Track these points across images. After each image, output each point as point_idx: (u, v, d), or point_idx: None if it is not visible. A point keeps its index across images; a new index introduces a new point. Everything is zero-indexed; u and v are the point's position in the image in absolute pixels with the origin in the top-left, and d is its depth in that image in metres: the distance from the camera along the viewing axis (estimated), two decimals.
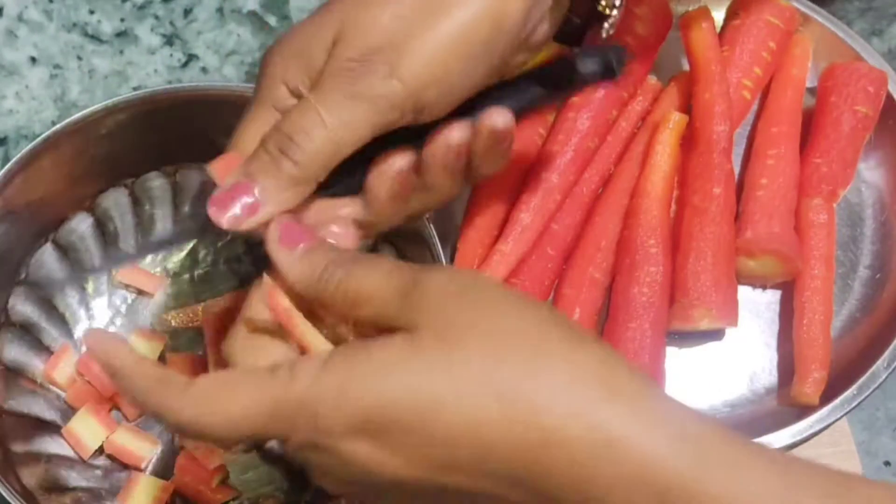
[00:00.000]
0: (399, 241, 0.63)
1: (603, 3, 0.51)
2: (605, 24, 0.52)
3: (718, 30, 0.70)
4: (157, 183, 0.65)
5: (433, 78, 0.45)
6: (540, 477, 0.36)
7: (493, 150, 0.48)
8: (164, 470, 0.60)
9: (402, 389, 0.37)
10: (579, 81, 0.49)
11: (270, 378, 0.39)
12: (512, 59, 0.49)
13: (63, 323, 0.63)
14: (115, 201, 0.64)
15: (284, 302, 0.42)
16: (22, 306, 0.62)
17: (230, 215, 0.45)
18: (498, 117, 0.47)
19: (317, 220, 0.48)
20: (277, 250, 0.42)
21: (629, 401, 0.36)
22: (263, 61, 0.48)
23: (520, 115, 0.49)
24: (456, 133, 0.46)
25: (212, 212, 0.45)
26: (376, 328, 0.40)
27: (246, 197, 0.45)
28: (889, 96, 0.69)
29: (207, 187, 0.65)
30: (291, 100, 0.47)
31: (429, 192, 0.48)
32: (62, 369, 0.61)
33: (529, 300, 0.39)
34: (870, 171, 0.70)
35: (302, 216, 0.47)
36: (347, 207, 0.48)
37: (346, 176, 0.47)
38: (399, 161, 0.47)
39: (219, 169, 0.47)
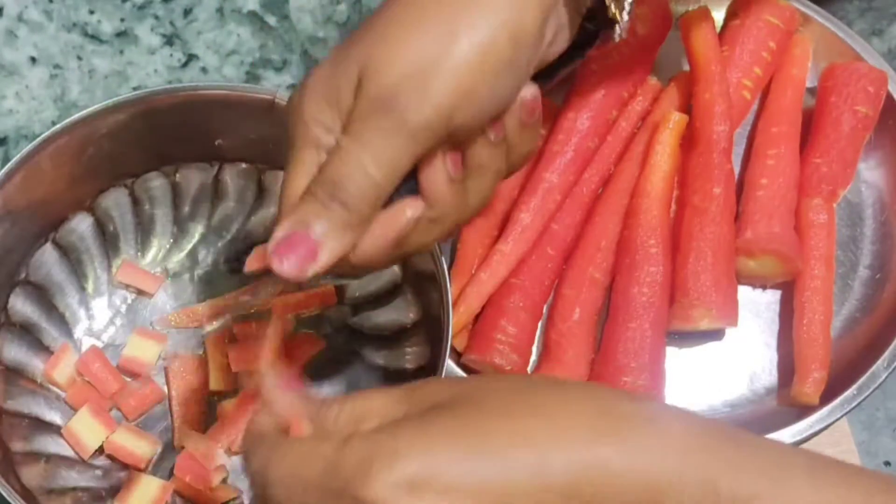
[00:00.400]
0: None
1: (613, 9, 0.52)
2: (617, 29, 0.53)
3: (718, 30, 0.70)
4: (157, 183, 0.65)
5: (461, 101, 0.46)
6: (599, 481, 0.37)
7: (524, 124, 0.49)
8: (164, 470, 0.60)
9: (453, 445, 0.37)
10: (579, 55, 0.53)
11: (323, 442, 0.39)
12: (534, 69, 0.50)
13: (63, 323, 0.63)
14: (115, 201, 0.64)
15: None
16: (22, 306, 0.62)
17: (292, 264, 0.46)
18: (525, 90, 0.49)
19: (386, 233, 0.48)
20: (275, 392, 0.42)
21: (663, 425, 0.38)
22: (291, 108, 0.49)
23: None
24: None
25: (275, 264, 0.46)
26: None
27: (304, 244, 0.46)
28: (889, 96, 0.69)
29: (207, 187, 0.65)
30: (329, 138, 0.47)
31: (480, 176, 0.49)
32: (62, 369, 0.61)
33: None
34: (870, 171, 0.70)
35: (372, 230, 0.48)
36: (409, 209, 0.48)
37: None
38: (443, 153, 0.48)
39: (254, 263, 0.48)
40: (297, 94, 0.49)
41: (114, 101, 0.60)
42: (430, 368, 0.59)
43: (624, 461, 0.37)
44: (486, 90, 0.46)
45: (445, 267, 0.58)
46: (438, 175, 0.48)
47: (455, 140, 0.47)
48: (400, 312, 0.63)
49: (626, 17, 0.52)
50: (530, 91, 0.49)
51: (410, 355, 0.62)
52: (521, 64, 0.48)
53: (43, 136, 0.59)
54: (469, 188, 0.49)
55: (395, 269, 0.64)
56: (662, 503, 0.37)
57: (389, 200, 0.48)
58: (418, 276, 0.62)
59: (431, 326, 0.60)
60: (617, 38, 0.53)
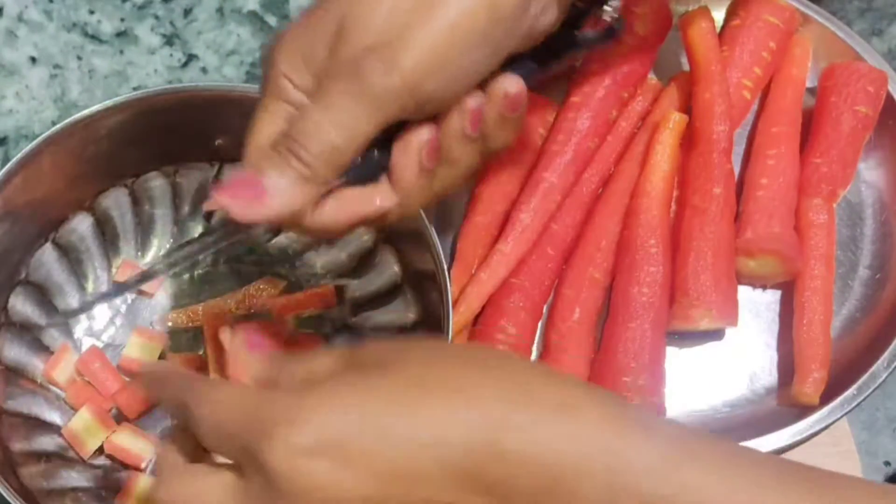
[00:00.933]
0: (399, 241, 0.63)
1: None
2: (608, 8, 0.52)
3: (718, 30, 0.70)
4: (157, 183, 0.65)
5: (431, 70, 0.45)
6: (497, 461, 0.37)
7: (505, 118, 0.48)
8: None
9: (358, 410, 0.37)
10: (582, 47, 0.51)
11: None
12: (514, 46, 0.48)
13: (63, 323, 0.63)
14: (115, 201, 0.64)
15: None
16: (22, 306, 0.62)
17: (240, 203, 0.46)
18: (510, 82, 0.48)
19: (350, 212, 0.48)
20: (239, 351, 0.44)
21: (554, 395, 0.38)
22: (265, 57, 0.49)
23: (528, 83, 0.49)
24: (471, 101, 0.47)
25: (220, 199, 0.46)
26: None
27: (255, 187, 0.46)
28: (889, 96, 0.69)
29: (207, 187, 0.65)
30: (297, 93, 0.47)
31: (450, 167, 0.49)
32: (62, 369, 0.61)
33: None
34: (870, 171, 0.70)
35: (331, 208, 0.48)
36: (379, 199, 0.49)
37: (360, 162, 0.47)
38: (421, 134, 0.48)
39: (212, 204, 0.48)
40: (274, 44, 0.48)
41: (114, 101, 0.60)
42: None
43: (522, 446, 0.36)
44: (457, 62, 0.46)
45: (445, 267, 0.58)
46: (410, 162, 0.48)
47: (424, 112, 0.47)
48: (400, 312, 0.63)
49: (616, 3, 0.52)
50: (514, 84, 0.48)
51: None
52: (497, 38, 0.46)
53: (43, 136, 0.59)
54: (438, 175, 0.49)
55: (395, 268, 0.64)
56: (567, 491, 0.36)
57: (365, 168, 0.48)
58: (418, 276, 0.62)
59: (431, 326, 0.60)
60: (608, 18, 0.53)
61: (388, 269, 0.64)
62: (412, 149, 0.48)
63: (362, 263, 0.65)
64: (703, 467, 0.36)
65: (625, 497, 0.36)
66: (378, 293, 0.64)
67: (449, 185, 0.50)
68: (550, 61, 0.51)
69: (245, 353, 0.44)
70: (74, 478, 0.59)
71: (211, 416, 0.40)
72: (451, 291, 0.58)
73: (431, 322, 0.60)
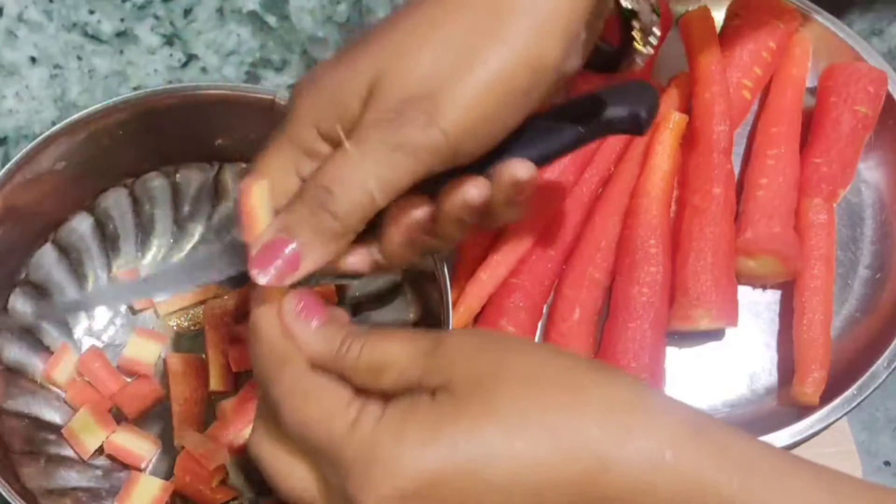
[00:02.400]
0: None
1: (638, 38, 0.50)
2: (638, 59, 0.52)
3: (718, 30, 0.70)
4: (157, 183, 0.65)
5: (473, 126, 0.44)
6: (597, 500, 0.36)
7: (513, 201, 0.47)
8: (164, 470, 0.60)
9: (451, 452, 0.36)
10: (605, 128, 0.49)
11: (345, 410, 0.39)
12: (549, 98, 0.48)
13: (63, 323, 0.63)
14: (115, 201, 0.64)
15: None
16: (22, 306, 0.62)
17: (273, 273, 0.44)
18: (520, 169, 0.46)
19: (350, 265, 0.48)
20: (295, 321, 0.42)
21: (668, 421, 0.37)
22: (293, 99, 0.47)
23: (545, 160, 0.49)
24: (474, 191, 0.46)
25: (254, 273, 0.44)
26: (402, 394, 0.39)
27: (286, 253, 0.44)
28: (889, 96, 0.69)
29: (207, 187, 0.65)
30: (320, 143, 0.46)
31: (439, 240, 0.48)
32: (62, 369, 0.61)
33: (549, 345, 0.41)
34: (870, 171, 0.70)
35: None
36: (362, 250, 0.48)
37: None
38: (416, 213, 0.47)
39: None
40: (304, 87, 0.47)
41: (114, 101, 0.60)
42: None
43: (614, 490, 0.36)
44: (497, 119, 0.45)
45: (445, 267, 0.58)
46: (400, 236, 0.47)
47: (455, 163, 0.46)
48: (400, 312, 0.63)
49: (650, 50, 0.51)
50: (524, 170, 0.46)
51: None
52: (536, 95, 0.46)
53: (43, 135, 0.59)
54: (427, 244, 0.48)
55: None
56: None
57: None
58: (418, 276, 0.62)
59: (431, 326, 0.60)
60: (636, 68, 0.52)
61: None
62: (403, 225, 0.47)
63: None
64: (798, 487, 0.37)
65: None
66: (378, 293, 0.64)
67: (433, 251, 0.49)
68: (579, 136, 0.49)
69: (299, 322, 0.41)
70: (74, 478, 0.59)
71: (293, 417, 0.39)
72: (451, 291, 0.58)
73: (431, 322, 0.60)
